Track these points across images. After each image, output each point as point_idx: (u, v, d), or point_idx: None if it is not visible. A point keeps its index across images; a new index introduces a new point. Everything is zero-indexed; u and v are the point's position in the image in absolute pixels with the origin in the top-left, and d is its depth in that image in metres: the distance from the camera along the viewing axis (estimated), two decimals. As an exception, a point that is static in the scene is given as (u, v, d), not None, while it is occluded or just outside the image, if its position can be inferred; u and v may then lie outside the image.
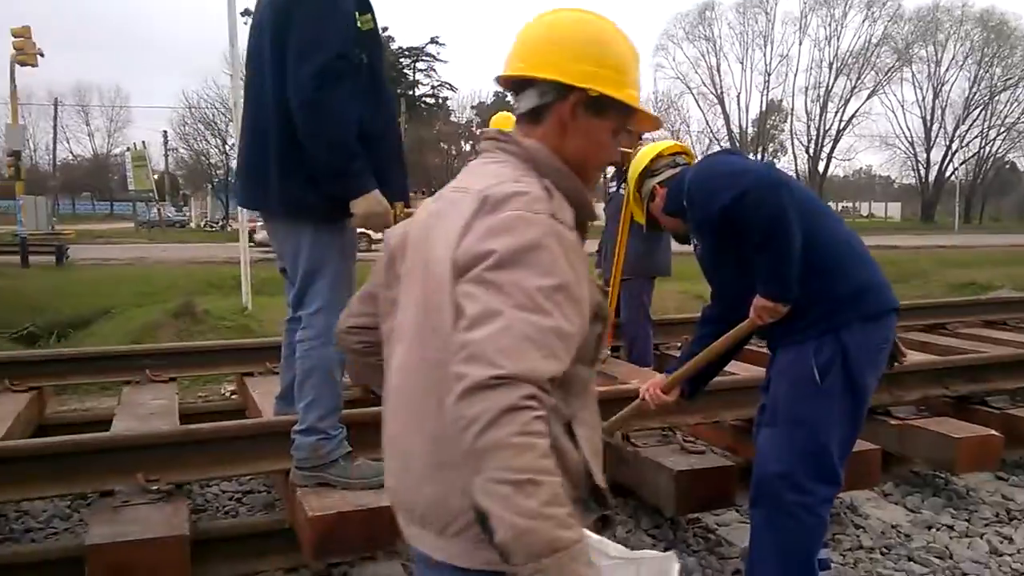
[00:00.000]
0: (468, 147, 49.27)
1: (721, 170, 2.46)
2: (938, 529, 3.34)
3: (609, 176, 6.09)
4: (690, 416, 3.38)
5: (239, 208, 9.77)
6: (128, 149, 41.68)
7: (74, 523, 3.37)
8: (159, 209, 43.63)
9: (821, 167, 54.89)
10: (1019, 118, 55.07)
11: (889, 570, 3.01)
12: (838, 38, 53.02)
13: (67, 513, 3.44)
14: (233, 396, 5.47)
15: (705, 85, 54.08)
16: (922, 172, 58.69)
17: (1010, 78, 53.68)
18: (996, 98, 54.63)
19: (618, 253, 4.94)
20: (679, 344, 5.51)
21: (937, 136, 57.19)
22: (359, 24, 2.62)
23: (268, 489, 3.68)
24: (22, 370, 4.15)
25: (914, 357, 4.61)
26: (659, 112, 48.73)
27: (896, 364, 2.62)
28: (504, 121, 5.99)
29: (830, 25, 53.17)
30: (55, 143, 55.28)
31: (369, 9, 2.69)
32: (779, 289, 2.35)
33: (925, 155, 58.10)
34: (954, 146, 57.08)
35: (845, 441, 2.42)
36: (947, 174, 58.44)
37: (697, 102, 54.26)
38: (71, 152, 65.01)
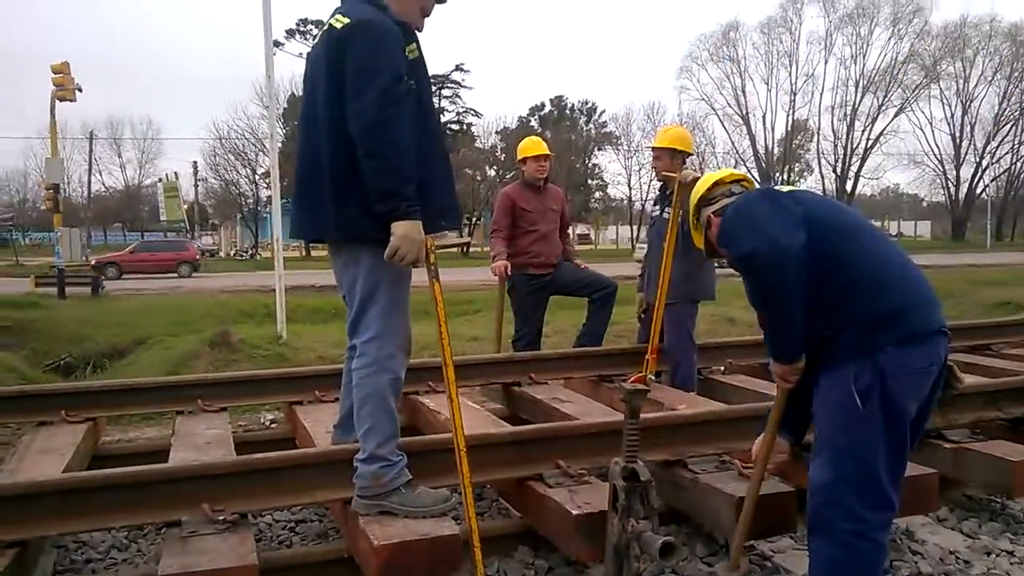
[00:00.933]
0: (493, 172, 49.53)
1: (742, 222, 2.54)
2: (997, 555, 3.29)
3: (653, 200, 6.11)
4: (746, 442, 3.37)
5: (274, 237, 10.00)
6: (160, 180, 42.44)
7: (132, 553, 3.42)
8: (190, 238, 44.26)
9: (849, 186, 54.47)
10: (1053, 136, 54.51)
11: (952, 597, 2.97)
12: (864, 56, 52.88)
13: (125, 544, 3.49)
14: (273, 425, 5.54)
15: (730, 106, 54.17)
16: (952, 190, 58.14)
17: (1040, 93, 53.23)
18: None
19: (663, 277, 4.96)
20: (723, 368, 5.50)
21: (967, 153, 56.74)
22: (407, 53, 2.74)
23: (321, 518, 3.72)
24: (77, 401, 4.24)
25: (965, 379, 4.56)
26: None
27: (952, 390, 2.58)
28: (533, 147, 6.05)
29: (856, 43, 53.07)
30: (90, 175, 56.51)
31: (414, 39, 2.83)
32: (779, 353, 2.54)
33: (955, 172, 57.61)
34: (984, 163, 56.54)
35: (894, 465, 2.39)
36: (978, 191, 57.81)
37: (722, 123, 54.27)
38: (103, 184, 66.31)
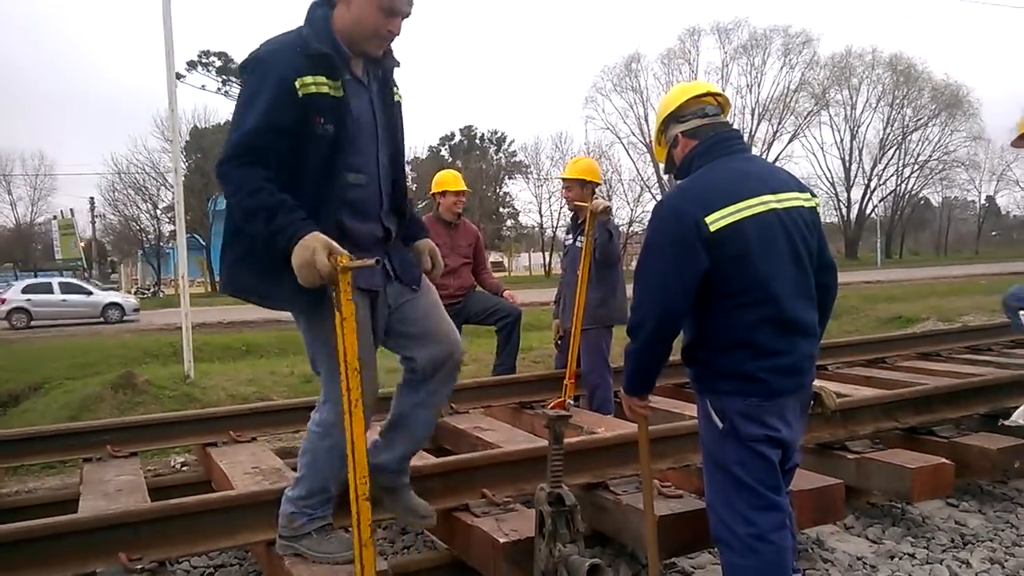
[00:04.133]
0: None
1: (655, 239, 2.54)
2: (900, 558, 3.48)
3: (565, 229, 6.24)
4: (662, 462, 3.48)
5: (178, 274, 9.73)
6: (55, 217, 40.62)
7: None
8: (87, 278, 42.46)
9: (748, 210, 56.49)
10: (931, 156, 58.11)
11: (860, 601, 3.12)
12: (759, 85, 55.22)
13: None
14: (184, 468, 5.36)
15: (634, 134, 55.47)
16: (843, 211, 61.06)
17: (920, 118, 56.85)
18: (908, 137, 57.62)
19: (578, 303, 5.06)
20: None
21: (856, 175, 59.85)
22: (298, 91, 2.39)
23: (241, 562, 3.63)
24: (-28, 453, 4.02)
25: (863, 392, 4.82)
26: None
27: (819, 410, 2.77)
28: (452, 180, 6.11)
29: (750, 73, 55.37)
30: (-25, 213, 53.55)
31: (323, 70, 2.43)
32: (627, 385, 2.76)
33: (846, 194, 60.59)
34: (872, 184, 59.75)
35: (765, 470, 2.48)
36: (867, 212, 60.95)
37: (627, 151, 55.48)
38: (-8, 222, 62.86)
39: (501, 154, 63.40)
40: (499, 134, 70.17)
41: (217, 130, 48.78)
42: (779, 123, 55.22)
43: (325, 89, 2.42)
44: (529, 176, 49.88)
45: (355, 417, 2.26)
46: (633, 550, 3.35)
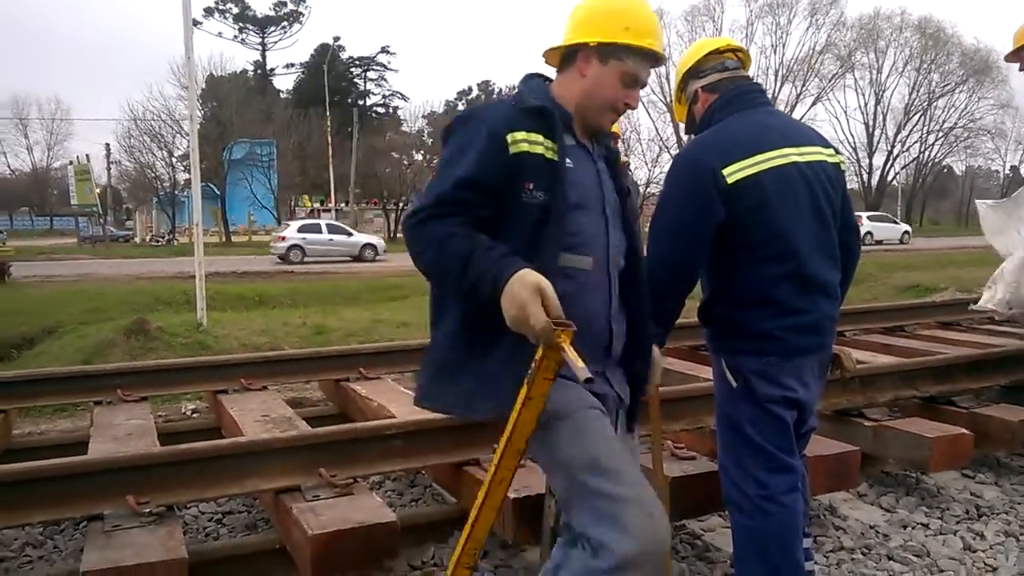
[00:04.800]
0: (420, 157, 49.09)
1: (688, 149, 2.53)
2: (914, 528, 3.44)
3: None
4: (676, 423, 3.43)
5: (193, 222, 9.71)
6: (71, 163, 40.60)
7: (48, 551, 3.27)
8: (103, 224, 42.61)
9: (768, 173, 55.80)
10: (956, 123, 56.98)
11: (871, 570, 3.08)
12: (784, 46, 54.09)
13: (40, 540, 3.34)
14: (195, 415, 5.37)
15: (654, 93, 54.61)
16: (865, 177, 60.22)
17: (947, 84, 55.52)
18: (934, 104, 56.43)
19: None
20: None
21: (879, 141, 58.82)
22: (509, 147, 1.94)
23: (249, 509, 3.63)
24: (-13, 392, 4.03)
25: (882, 359, 4.75)
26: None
27: (840, 375, 2.70)
28: None
29: (776, 33, 54.11)
30: (-8, 157, 53.68)
31: (540, 128, 1.97)
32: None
33: (868, 160, 59.68)
34: (895, 151, 58.76)
35: (779, 431, 2.44)
36: (889, 179, 60.09)
37: (647, 110, 54.62)
38: (8, 167, 63.17)
39: (517, 110, 62.77)
40: (516, 89, 69.25)
41: (232, 79, 48.52)
42: (803, 85, 54.15)
43: (539, 149, 1.96)
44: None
45: (492, 496, 1.87)
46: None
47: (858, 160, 59.09)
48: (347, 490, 2.78)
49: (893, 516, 3.54)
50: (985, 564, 3.13)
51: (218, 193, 41.37)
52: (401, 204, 45.99)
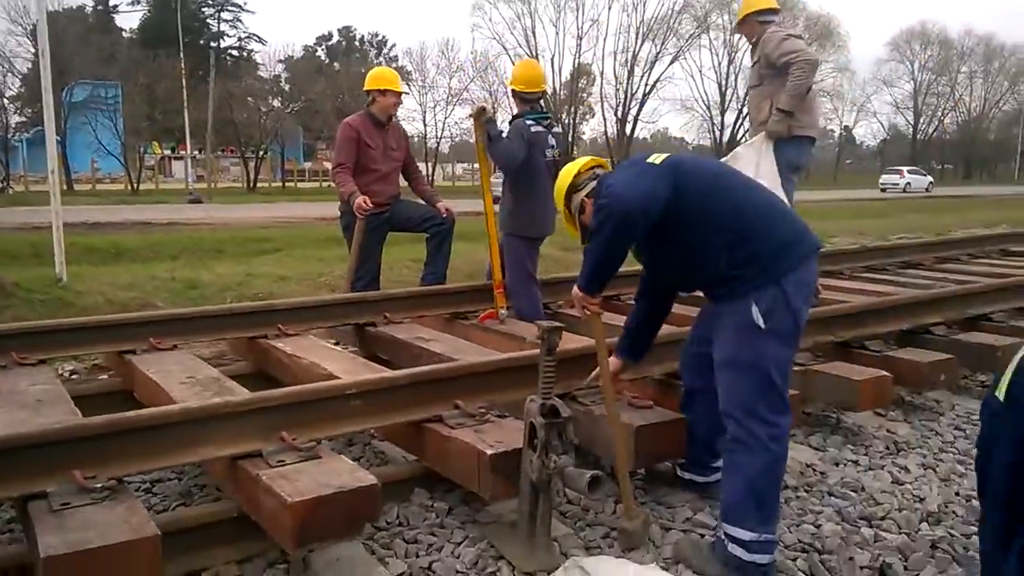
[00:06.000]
0: (278, 103, 46.90)
1: (606, 191, 2.67)
2: (845, 465, 3.62)
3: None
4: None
5: (49, 168, 8.83)
6: None
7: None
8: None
9: (628, 129, 57.31)
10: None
11: (818, 506, 3.23)
12: (644, 4, 55.26)
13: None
14: (74, 377, 4.92)
15: (521, 46, 54.59)
16: (717, 134, 62.89)
17: (793, 47, 58.57)
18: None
19: (486, 210, 5.19)
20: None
21: (731, 100, 61.46)
22: None
23: (180, 476, 3.38)
24: None
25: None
26: (478, 72, 48.88)
27: (815, 301, 2.89)
28: (392, 79, 5.76)
29: (637, -10, 55.19)
30: None
31: None
32: (587, 284, 2.83)
33: (720, 118, 62.30)
34: (745, 110, 61.52)
35: (788, 374, 2.69)
36: (739, 136, 63.03)
37: (513, 63, 54.42)
38: None
39: (382, 58, 61.21)
40: (380, 37, 67.59)
41: (70, 15, 44.58)
42: (662, 44, 55.68)
43: None
44: (413, 83, 48.11)
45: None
46: (607, 462, 3.32)
47: (711, 118, 61.60)
48: (313, 453, 2.61)
49: (825, 455, 3.71)
50: (913, 495, 3.34)
51: (58, 138, 38.04)
52: (259, 152, 43.96)
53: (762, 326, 2.57)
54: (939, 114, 71.55)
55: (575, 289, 2.89)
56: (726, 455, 2.71)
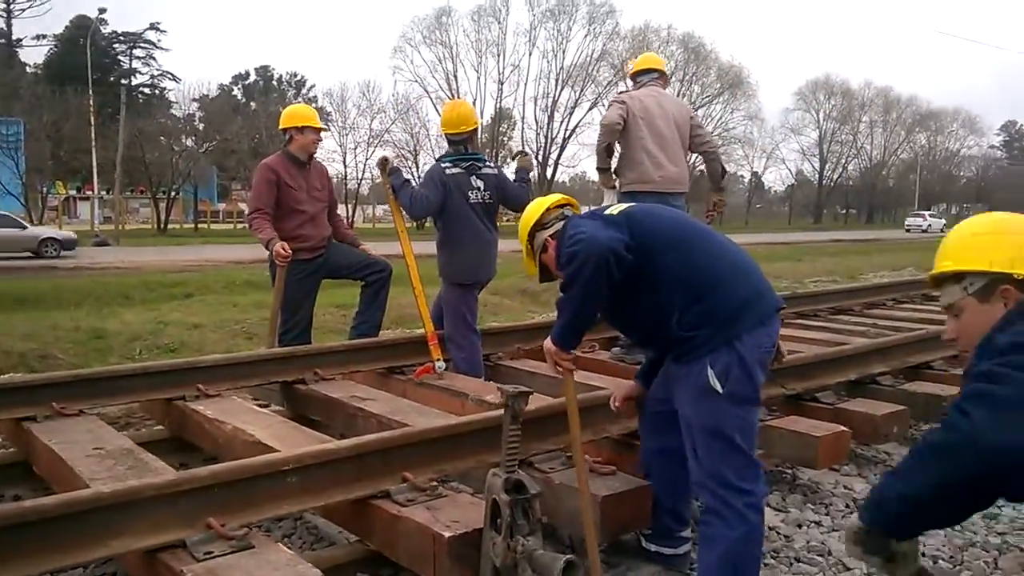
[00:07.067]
0: (191, 142, 45.65)
1: (574, 234, 2.54)
2: (809, 527, 3.48)
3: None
4: (589, 435, 3.22)
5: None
6: None
7: None
8: None
9: (548, 173, 57.96)
10: (712, 132, 62.33)
11: (786, 574, 3.06)
12: (564, 52, 56.35)
13: None
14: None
15: (442, 89, 54.83)
16: (633, 179, 64.23)
17: (707, 95, 60.72)
18: (696, 113, 61.44)
19: (407, 261, 5.03)
20: (502, 355, 5.32)
21: (648, 147, 62.98)
22: None
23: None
24: None
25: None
26: (399, 114, 48.79)
27: (777, 362, 2.78)
28: (310, 116, 5.46)
29: (556, 38, 56.31)
30: None
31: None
32: (560, 339, 2.63)
33: (638, 163, 63.66)
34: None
35: (753, 435, 2.60)
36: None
37: (435, 106, 54.62)
38: None
39: (301, 98, 60.51)
40: (299, 77, 66.99)
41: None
42: (581, 90, 56.81)
43: None
44: (333, 124, 47.49)
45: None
46: (569, 533, 3.08)
47: (629, 163, 62.88)
48: (245, 542, 2.29)
49: (788, 516, 3.56)
50: (881, 558, 3.20)
51: (-49, 177, 36.14)
52: (171, 193, 42.57)
53: (719, 390, 2.47)
54: (843, 161, 74.89)
55: (547, 343, 2.67)
56: (702, 527, 2.57)
